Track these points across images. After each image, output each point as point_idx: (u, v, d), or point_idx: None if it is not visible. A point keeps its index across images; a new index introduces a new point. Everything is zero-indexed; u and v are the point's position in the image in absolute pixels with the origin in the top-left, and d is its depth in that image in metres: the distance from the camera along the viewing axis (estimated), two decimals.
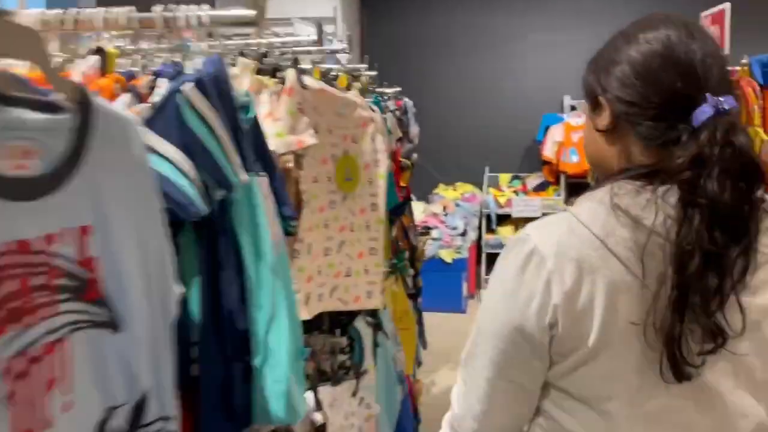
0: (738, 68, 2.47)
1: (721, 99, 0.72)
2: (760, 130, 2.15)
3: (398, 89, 3.54)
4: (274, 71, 1.39)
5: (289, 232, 1.25)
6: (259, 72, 1.40)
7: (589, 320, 0.73)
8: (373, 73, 2.90)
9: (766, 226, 0.74)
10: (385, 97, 3.20)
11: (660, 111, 0.75)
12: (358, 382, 1.60)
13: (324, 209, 1.47)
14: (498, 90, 6.13)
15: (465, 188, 6.15)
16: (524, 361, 0.79)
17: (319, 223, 1.46)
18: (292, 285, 1.15)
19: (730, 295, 0.71)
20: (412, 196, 6.31)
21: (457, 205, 5.89)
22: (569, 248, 0.74)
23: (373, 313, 1.91)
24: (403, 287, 2.73)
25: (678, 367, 0.71)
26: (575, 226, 0.76)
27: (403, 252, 3.13)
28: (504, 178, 6.06)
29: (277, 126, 1.31)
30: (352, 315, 1.80)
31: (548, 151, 5.42)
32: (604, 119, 0.80)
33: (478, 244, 5.83)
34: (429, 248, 5.61)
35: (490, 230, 5.76)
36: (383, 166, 1.62)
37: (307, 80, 1.40)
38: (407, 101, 3.75)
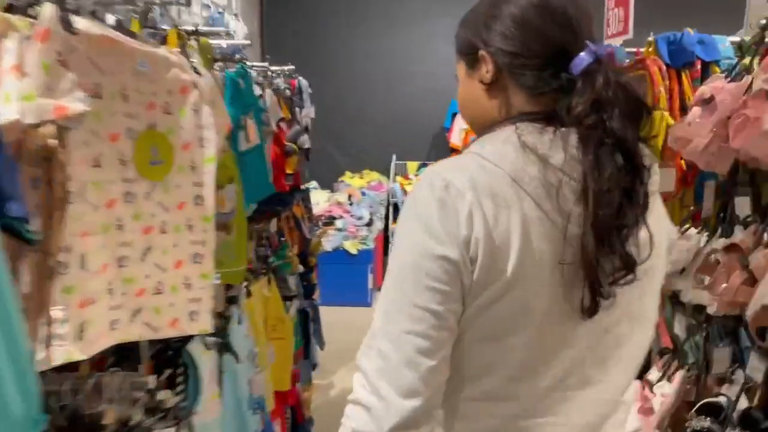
0: (642, 50, 2.29)
1: (598, 46, 0.77)
2: (666, 114, 1.95)
3: (291, 67, 3.21)
4: (27, 8, 0.97)
5: (29, 239, 0.85)
6: (10, 9, 0.98)
7: (506, 254, 0.74)
8: (246, 42, 2.51)
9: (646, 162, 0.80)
10: (272, 74, 2.86)
11: (543, 60, 0.79)
12: (179, 427, 1.23)
13: (114, 204, 1.07)
14: (407, 75, 5.93)
15: (372, 176, 5.89)
16: (453, 299, 0.75)
17: (108, 224, 1.06)
18: (10, 320, 0.76)
19: (637, 225, 0.76)
20: (315, 184, 5.98)
21: (363, 193, 5.65)
22: (483, 184, 0.75)
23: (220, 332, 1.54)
24: (279, 289, 2.36)
25: (595, 299, 0.75)
26: (484, 164, 0.76)
27: (285, 247, 2.75)
28: (412, 166, 5.87)
29: (23, 84, 0.90)
30: (186, 337, 1.42)
31: (455, 138, 5.24)
32: (486, 73, 0.83)
33: (384, 235, 5.62)
34: (332, 239, 5.30)
35: (396, 220, 5.53)
36: (212, 146, 1.23)
37: (80, 22, 0.99)
38: (302, 81, 3.45)
